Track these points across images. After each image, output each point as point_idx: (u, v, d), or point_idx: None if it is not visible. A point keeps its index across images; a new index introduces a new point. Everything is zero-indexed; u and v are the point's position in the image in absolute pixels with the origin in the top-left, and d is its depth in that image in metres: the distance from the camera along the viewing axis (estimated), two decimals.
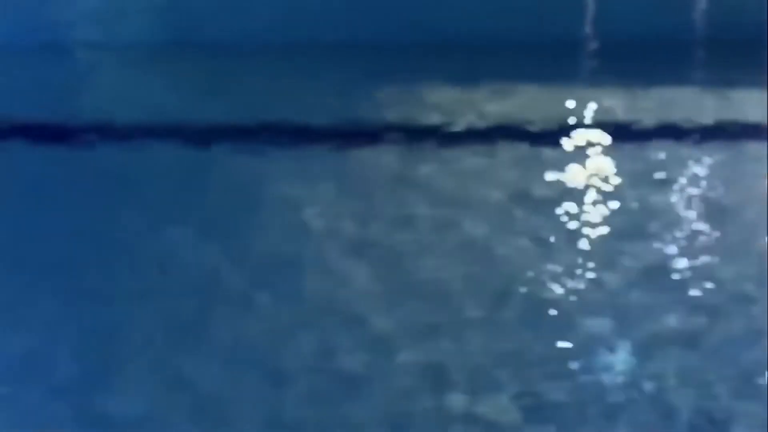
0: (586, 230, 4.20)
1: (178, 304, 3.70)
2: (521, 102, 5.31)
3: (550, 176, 4.62)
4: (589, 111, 5.25)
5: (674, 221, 4.29)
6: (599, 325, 3.55)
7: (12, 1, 6.04)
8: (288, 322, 3.57)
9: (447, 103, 5.29)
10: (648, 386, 3.23)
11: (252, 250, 4.05)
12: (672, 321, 3.57)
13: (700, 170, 4.75)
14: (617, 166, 4.74)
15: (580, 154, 4.86)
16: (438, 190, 4.52)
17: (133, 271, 3.91)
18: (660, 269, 3.91)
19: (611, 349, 3.43)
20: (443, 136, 5.03)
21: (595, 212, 4.34)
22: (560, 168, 4.70)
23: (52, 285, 3.84)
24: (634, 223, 4.24)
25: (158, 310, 3.66)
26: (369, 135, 5.07)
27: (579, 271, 3.88)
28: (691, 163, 4.79)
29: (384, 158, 4.81)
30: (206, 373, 3.32)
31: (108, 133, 5.08)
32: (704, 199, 4.48)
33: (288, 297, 3.72)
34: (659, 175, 4.64)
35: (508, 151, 4.90)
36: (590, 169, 4.72)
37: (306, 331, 3.50)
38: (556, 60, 5.73)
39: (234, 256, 3.99)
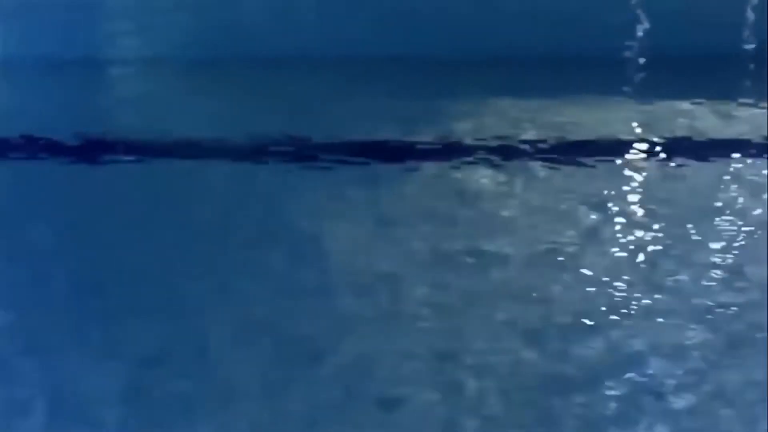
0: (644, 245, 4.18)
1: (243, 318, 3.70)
2: (576, 116, 5.26)
3: (606, 190, 4.58)
4: (642, 125, 5.19)
5: (736, 236, 4.25)
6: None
7: (47, 16, 5.98)
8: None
9: (502, 117, 5.26)
10: None
11: (325, 264, 4.04)
12: None
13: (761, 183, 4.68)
14: (672, 182, 4.72)
15: (634, 169, 4.82)
16: (512, 202, 4.53)
17: (189, 291, 3.88)
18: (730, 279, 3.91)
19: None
20: (503, 150, 4.98)
21: (651, 228, 4.31)
22: (616, 182, 4.66)
23: (105, 304, 3.82)
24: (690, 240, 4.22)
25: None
26: (429, 150, 5.03)
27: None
28: (752, 177, 4.73)
29: (450, 173, 4.80)
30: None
31: (148, 149, 5.05)
32: None
33: (380, 307, 3.74)
34: (716, 190, 4.61)
35: (566, 165, 4.84)
36: (646, 185, 4.70)
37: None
38: (610, 74, 5.71)
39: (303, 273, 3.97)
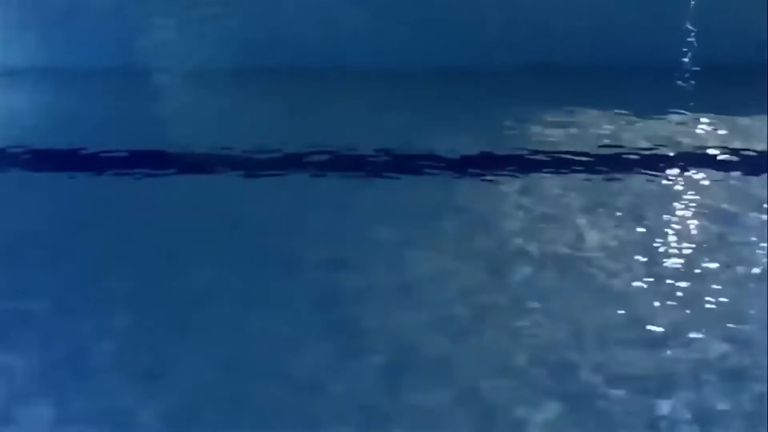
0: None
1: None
2: (625, 127, 5.16)
3: (659, 202, 4.51)
4: (693, 137, 5.07)
5: None
6: None
7: (90, 25, 5.95)
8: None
9: (554, 127, 5.15)
10: None
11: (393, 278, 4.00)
12: None
13: None
14: (727, 194, 4.57)
15: (687, 181, 4.69)
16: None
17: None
18: None
19: None
20: (553, 161, 4.89)
21: (705, 241, 4.25)
22: (672, 195, 4.58)
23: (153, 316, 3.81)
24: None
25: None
26: (479, 161, 4.91)
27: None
28: None
29: (496, 184, 4.70)
30: None
31: (193, 161, 4.94)
32: None
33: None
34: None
35: (620, 177, 4.76)
36: (699, 197, 4.56)
37: None
38: (660, 85, 5.60)
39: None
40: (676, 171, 4.75)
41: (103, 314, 3.83)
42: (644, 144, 4.97)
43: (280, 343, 3.67)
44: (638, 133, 5.05)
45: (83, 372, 3.58)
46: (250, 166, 4.85)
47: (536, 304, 3.87)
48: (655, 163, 4.83)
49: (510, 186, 4.65)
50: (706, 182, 4.67)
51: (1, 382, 3.56)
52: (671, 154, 4.89)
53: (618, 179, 4.71)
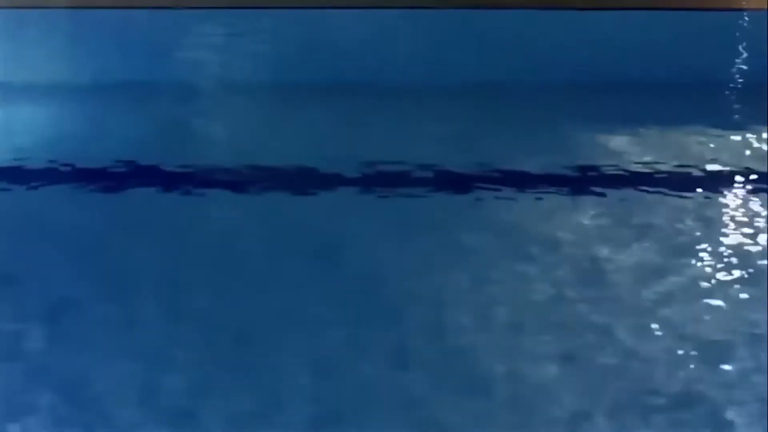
0: None
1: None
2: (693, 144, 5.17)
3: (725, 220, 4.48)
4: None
5: None
6: None
7: (138, 39, 6.00)
8: None
9: (619, 144, 5.15)
10: None
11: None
12: None
13: None
14: None
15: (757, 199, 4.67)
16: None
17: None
18: None
19: None
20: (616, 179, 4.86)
21: None
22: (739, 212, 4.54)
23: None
24: None
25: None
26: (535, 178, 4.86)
27: None
28: None
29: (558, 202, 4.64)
30: None
31: (243, 178, 4.87)
32: None
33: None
34: None
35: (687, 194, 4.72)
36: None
37: None
38: (737, 102, 5.65)
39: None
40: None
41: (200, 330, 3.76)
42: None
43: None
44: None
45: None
46: (332, 182, 4.79)
47: None
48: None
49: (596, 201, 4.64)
50: None
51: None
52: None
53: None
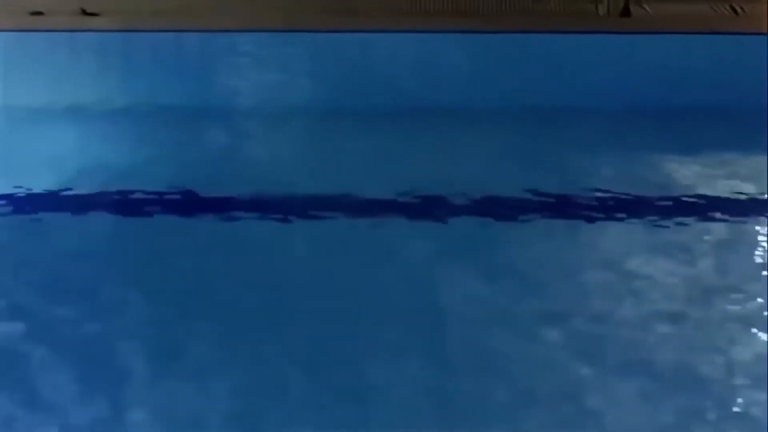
0: None
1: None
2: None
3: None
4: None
5: None
6: None
7: (183, 65, 5.99)
8: None
9: (663, 171, 5.18)
10: None
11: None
12: None
13: None
14: None
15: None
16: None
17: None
18: None
19: None
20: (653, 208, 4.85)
21: None
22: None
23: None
24: None
25: None
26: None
27: None
28: None
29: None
30: None
31: (293, 205, 4.80)
32: None
33: None
34: None
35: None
36: None
37: None
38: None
39: None
40: None
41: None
42: None
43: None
44: None
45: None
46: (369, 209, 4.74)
47: None
48: None
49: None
50: None
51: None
52: None
53: None
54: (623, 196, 4.87)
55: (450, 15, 6.25)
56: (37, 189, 4.90)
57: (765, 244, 4.47)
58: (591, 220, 4.76)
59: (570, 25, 6.09)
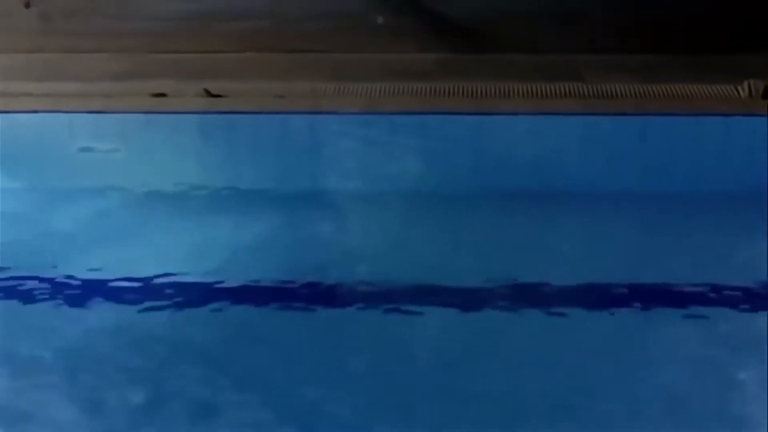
0: None
1: None
2: None
3: None
4: None
5: None
6: None
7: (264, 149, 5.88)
8: None
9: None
10: None
11: None
12: None
13: None
14: None
15: None
16: None
17: None
18: None
19: None
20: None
21: None
22: None
23: None
24: None
25: None
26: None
27: None
28: None
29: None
30: None
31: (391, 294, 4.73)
32: None
33: None
34: None
35: None
36: None
37: None
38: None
39: None
40: None
41: None
42: None
43: None
44: None
45: None
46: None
47: None
48: None
49: None
50: None
51: None
52: None
53: None
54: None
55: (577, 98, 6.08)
56: (193, 277, 4.79)
57: None
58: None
59: (712, 107, 5.91)
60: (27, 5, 7.09)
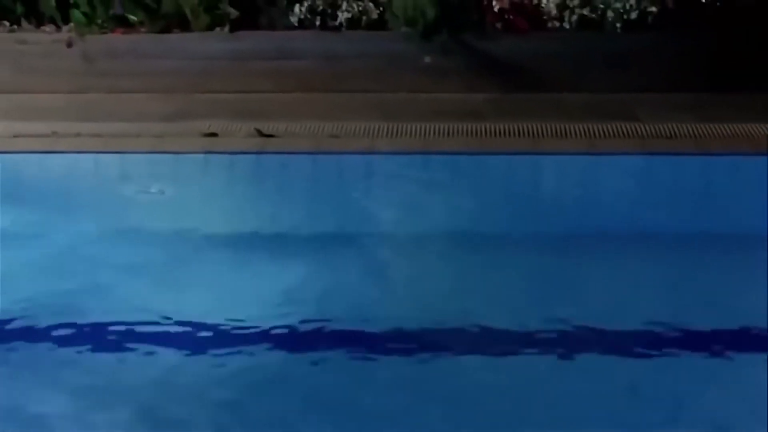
0: None
1: None
2: None
3: None
4: None
5: None
6: None
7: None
8: None
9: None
10: None
11: None
12: None
13: None
14: None
15: None
16: None
17: None
18: None
19: None
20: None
21: None
22: None
23: None
24: None
25: None
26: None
27: None
28: None
29: None
30: None
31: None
32: None
33: None
34: None
35: None
36: None
37: None
38: None
39: None
40: None
41: None
42: None
43: None
44: None
45: None
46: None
47: None
48: None
49: None
50: None
51: None
52: None
53: None
54: None
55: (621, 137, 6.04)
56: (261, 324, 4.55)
57: None
58: None
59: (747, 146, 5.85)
60: (69, 45, 7.03)
